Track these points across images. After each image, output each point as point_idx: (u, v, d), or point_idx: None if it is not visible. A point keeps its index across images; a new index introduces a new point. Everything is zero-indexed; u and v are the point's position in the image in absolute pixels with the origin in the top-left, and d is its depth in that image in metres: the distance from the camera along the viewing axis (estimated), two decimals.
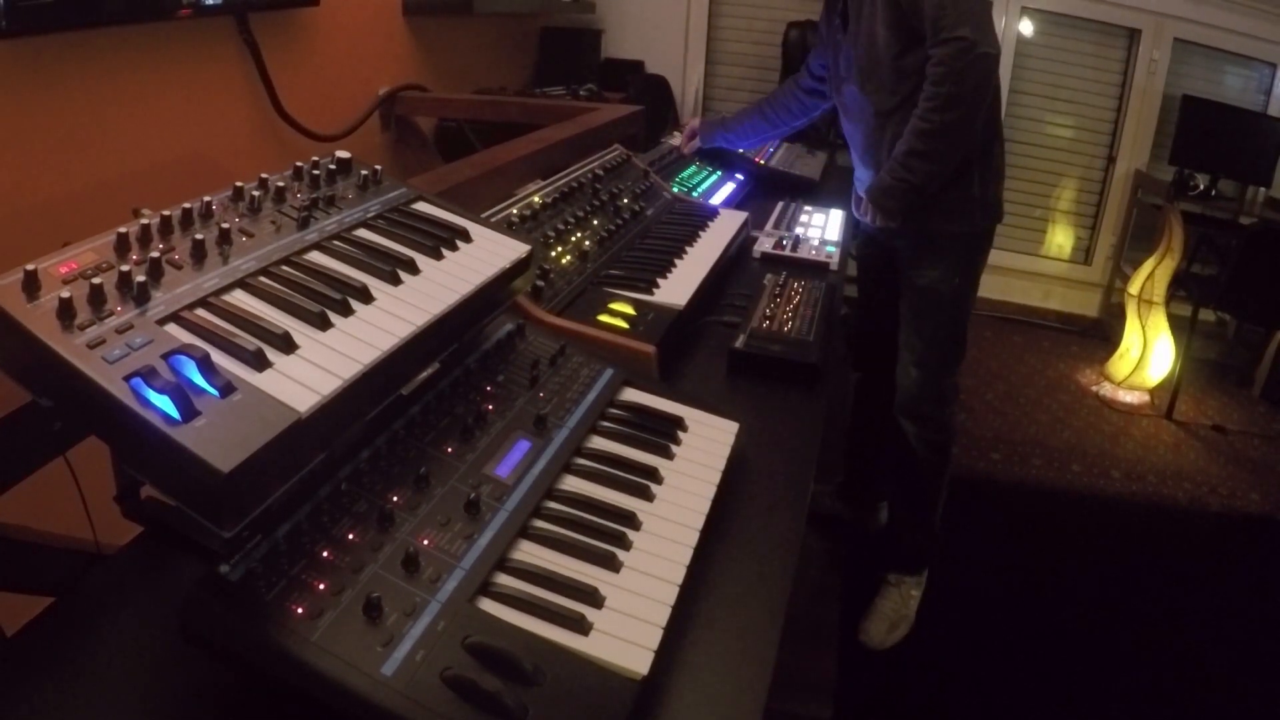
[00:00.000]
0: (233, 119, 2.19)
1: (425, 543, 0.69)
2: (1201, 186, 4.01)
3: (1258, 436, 3.49)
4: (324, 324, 0.73)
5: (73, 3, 1.61)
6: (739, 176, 2.42)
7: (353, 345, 0.72)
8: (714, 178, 2.33)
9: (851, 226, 2.11)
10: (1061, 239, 4.62)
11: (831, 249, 1.86)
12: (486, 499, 0.76)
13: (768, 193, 2.37)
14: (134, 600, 0.76)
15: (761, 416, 1.11)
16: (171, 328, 0.66)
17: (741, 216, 1.86)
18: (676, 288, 1.40)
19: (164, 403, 0.58)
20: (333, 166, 0.97)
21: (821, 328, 1.36)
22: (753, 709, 0.68)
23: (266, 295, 0.75)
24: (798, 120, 2.24)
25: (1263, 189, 4.16)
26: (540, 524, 0.77)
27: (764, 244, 1.85)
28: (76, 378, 0.59)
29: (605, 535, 0.77)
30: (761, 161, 2.53)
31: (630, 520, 0.80)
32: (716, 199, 2.17)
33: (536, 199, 1.50)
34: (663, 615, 0.71)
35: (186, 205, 0.79)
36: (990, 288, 4.46)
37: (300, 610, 0.60)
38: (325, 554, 0.65)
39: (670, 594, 0.73)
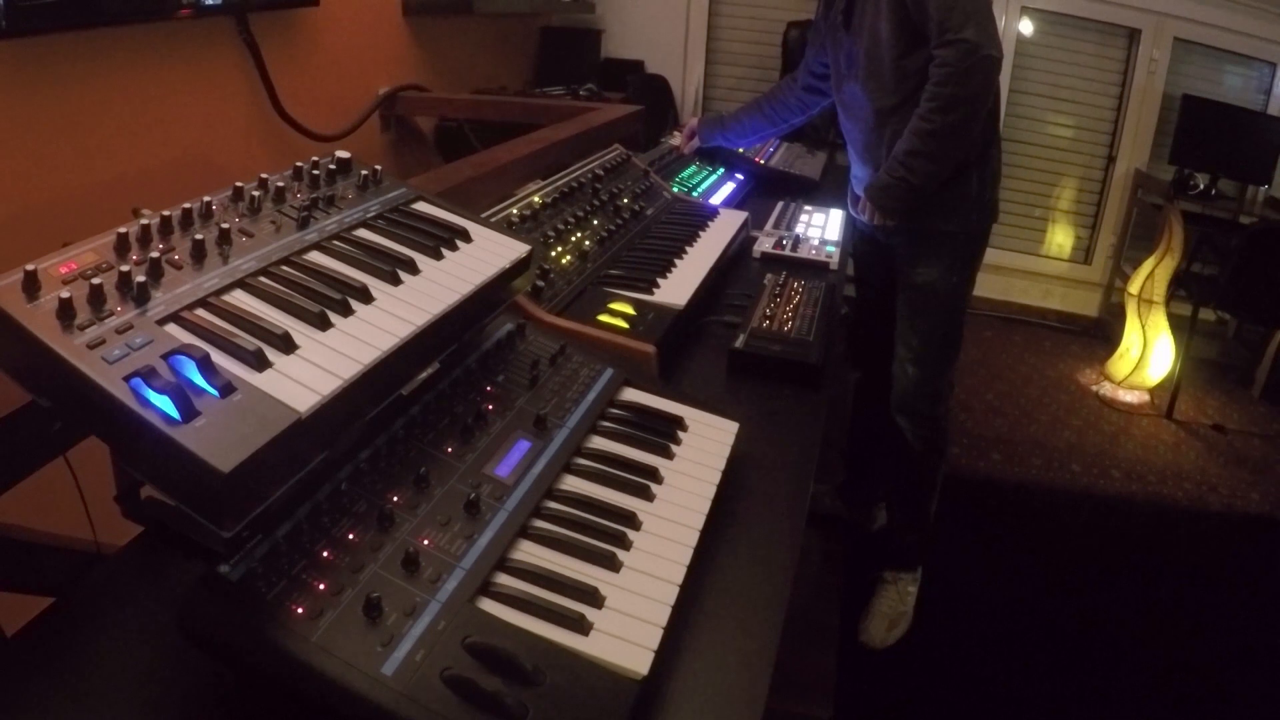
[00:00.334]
0: (233, 119, 2.19)
1: (425, 543, 0.69)
2: (1201, 186, 4.01)
3: (1258, 436, 3.49)
4: (324, 324, 0.73)
5: (73, 3, 1.61)
6: (739, 176, 2.43)
7: (353, 345, 0.72)
8: (714, 177, 2.34)
9: (848, 225, 2.12)
10: (1061, 238, 4.62)
11: (831, 249, 1.86)
12: (486, 499, 0.76)
13: (768, 192, 2.37)
14: (134, 600, 0.76)
15: (761, 416, 1.11)
16: (171, 328, 0.66)
17: (741, 216, 1.86)
18: (676, 288, 1.40)
19: (164, 403, 0.58)
20: (333, 166, 0.97)
21: (821, 327, 1.36)
22: (753, 709, 0.68)
23: (266, 295, 0.75)
24: (796, 118, 2.24)
25: (1263, 188, 4.16)
26: (540, 524, 0.77)
27: (764, 244, 1.85)
28: (76, 378, 0.59)
29: (605, 535, 0.77)
30: (761, 161, 2.54)
31: (630, 520, 0.80)
32: (716, 199, 2.17)
33: (536, 199, 1.50)
34: (663, 615, 0.71)
35: (186, 205, 0.79)
36: (990, 287, 4.47)
37: (300, 610, 0.60)
38: (325, 554, 0.65)
39: (670, 594, 0.73)
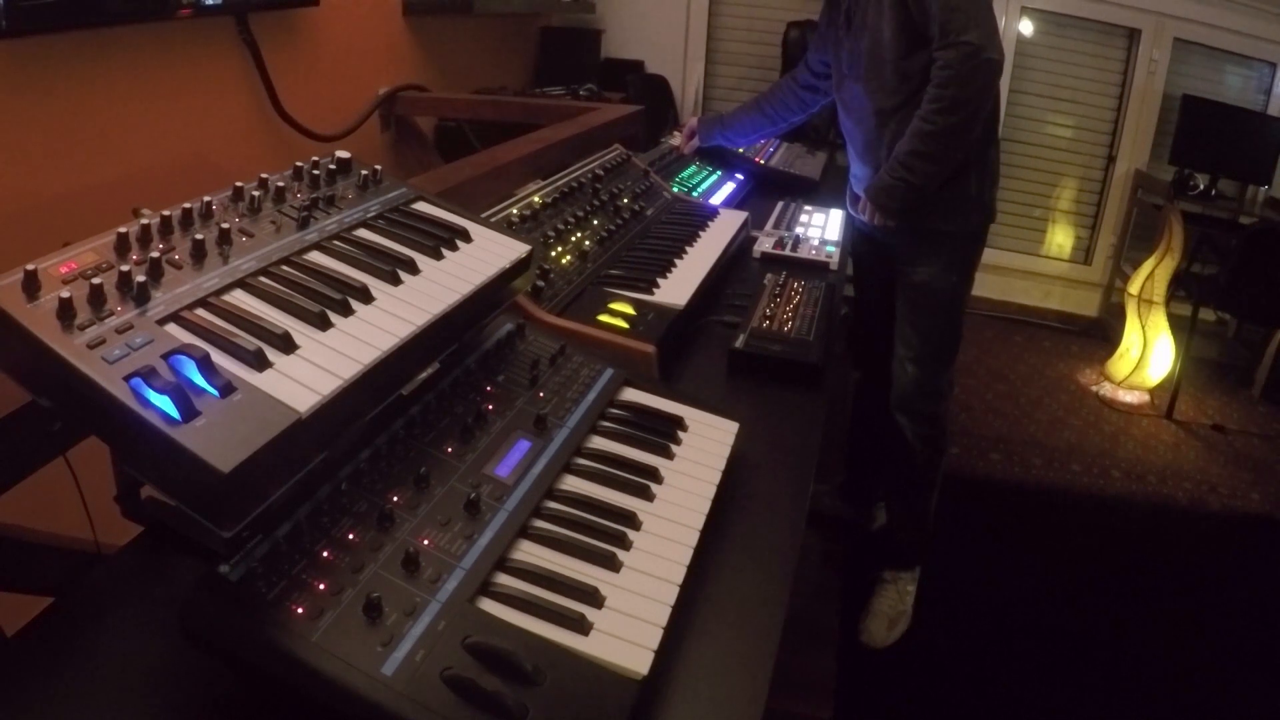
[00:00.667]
0: (233, 119, 2.19)
1: (425, 543, 0.69)
2: (1201, 186, 4.01)
3: (1258, 436, 3.49)
4: (324, 324, 0.73)
5: (73, 3, 1.61)
6: (739, 176, 2.42)
7: (353, 345, 0.72)
8: (714, 177, 2.33)
9: (848, 225, 2.12)
10: (1061, 239, 4.62)
11: (831, 249, 1.86)
12: (486, 499, 0.76)
13: (768, 192, 2.37)
14: (134, 600, 0.76)
15: (761, 416, 1.11)
16: (171, 328, 0.66)
17: (741, 216, 1.86)
18: (676, 287, 1.39)
19: (164, 403, 0.58)
20: (333, 166, 0.97)
21: (822, 327, 1.36)
22: (753, 709, 0.68)
23: (266, 295, 0.75)
24: (796, 116, 2.24)
25: (1263, 188, 4.16)
26: (540, 524, 0.77)
27: (764, 244, 1.85)
28: (76, 378, 0.59)
29: (605, 535, 0.77)
30: (761, 161, 2.53)
31: (630, 520, 0.80)
32: (716, 199, 2.17)
33: (536, 199, 1.50)
34: (663, 615, 0.71)
35: (186, 205, 0.79)
36: (990, 287, 4.47)
37: (300, 610, 0.60)
38: (325, 554, 0.65)
39: (670, 594, 0.73)
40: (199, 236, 0.75)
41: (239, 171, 0.89)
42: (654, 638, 0.68)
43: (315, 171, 0.95)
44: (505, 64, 3.70)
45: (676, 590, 0.74)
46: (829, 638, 2.12)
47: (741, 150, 2.46)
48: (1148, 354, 3.61)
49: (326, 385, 0.66)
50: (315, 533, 0.67)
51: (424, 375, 0.84)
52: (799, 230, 1.98)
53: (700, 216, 1.80)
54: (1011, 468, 3.10)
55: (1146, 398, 3.68)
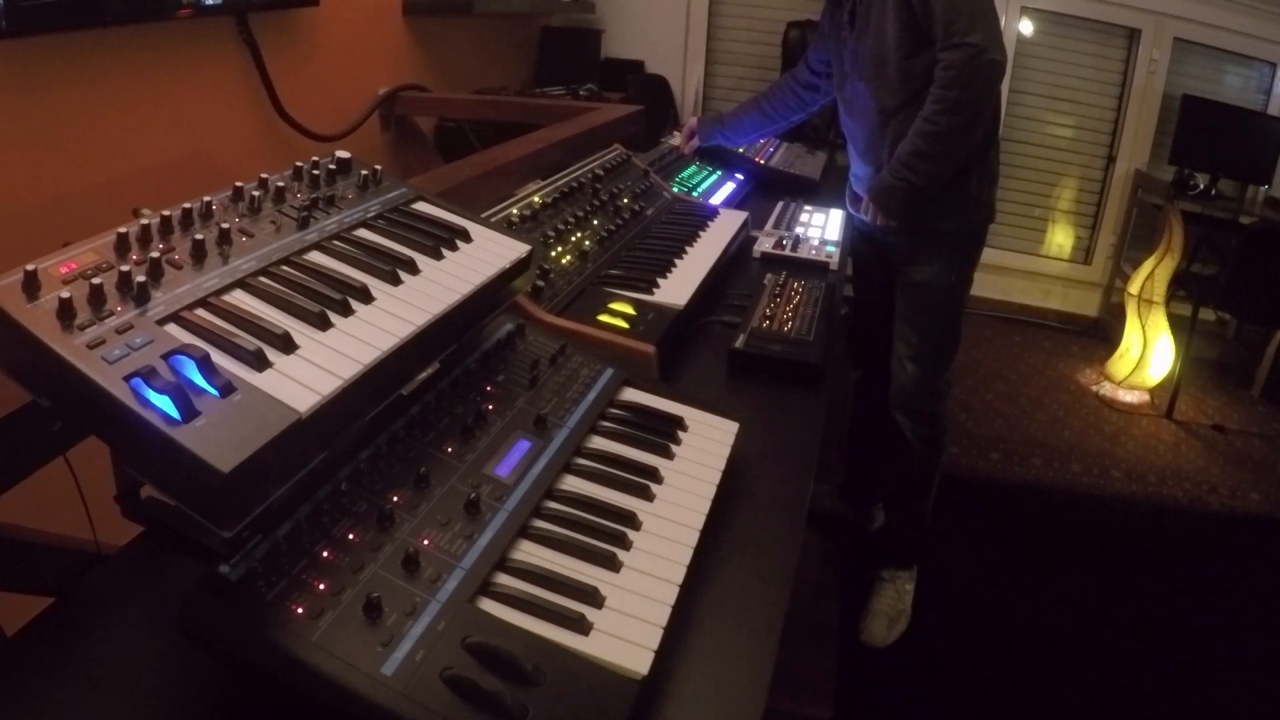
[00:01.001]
0: (233, 119, 2.19)
1: (425, 543, 0.69)
2: (1201, 186, 4.01)
3: (1258, 436, 3.49)
4: (324, 324, 0.73)
5: (73, 3, 1.61)
6: (739, 176, 2.42)
7: (353, 345, 0.72)
8: (714, 177, 2.33)
9: (847, 225, 2.12)
10: (1061, 238, 4.62)
11: (831, 249, 1.86)
12: (486, 499, 0.76)
13: (768, 192, 2.37)
14: (134, 600, 0.76)
15: (761, 416, 1.11)
16: (171, 328, 0.66)
17: (741, 216, 1.86)
18: (676, 288, 1.39)
19: (164, 403, 0.58)
20: (333, 166, 0.97)
21: (822, 327, 1.36)
22: (753, 709, 0.68)
23: (266, 295, 0.75)
24: (795, 115, 2.24)
25: (1263, 188, 4.16)
26: (540, 524, 0.77)
27: (764, 244, 1.85)
28: (76, 378, 0.59)
29: (605, 535, 0.77)
30: (761, 161, 2.53)
31: (630, 520, 0.80)
32: (716, 199, 2.17)
33: (536, 199, 1.50)
34: (663, 615, 0.71)
35: (186, 205, 0.79)
36: (990, 287, 4.47)
37: (300, 610, 0.60)
38: (325, 554, 0.65)
39: (670, 594, 0.73)
40: (199, 236, 0.75)
41: (239, 171, 0.89)
42: (654, 638, 0.68)
43: (315, 171, 0.95)
44: (505, 64, 3.70)
45: (676, 590, 0.74)
46: (829, 638, 2.12)
47: (741, 150, 2.46)
48: (1148, 354, 3.61)
49: (326, 385, 0.66)
50: (315, 533, 0.67)
51: (424, 375, 0.84)
52: (799, 230, 1.98)
53: (700, 216, 1.80)
54: (1011, 468, 3.10)
55: (1146, 398, 3.68)
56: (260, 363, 0.66)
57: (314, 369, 0.68)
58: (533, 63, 3.94)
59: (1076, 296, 4.60)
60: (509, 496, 0.77)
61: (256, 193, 0.86)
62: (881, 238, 1.98)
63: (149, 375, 0.59)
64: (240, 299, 0.74)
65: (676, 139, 2.43)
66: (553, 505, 0.80)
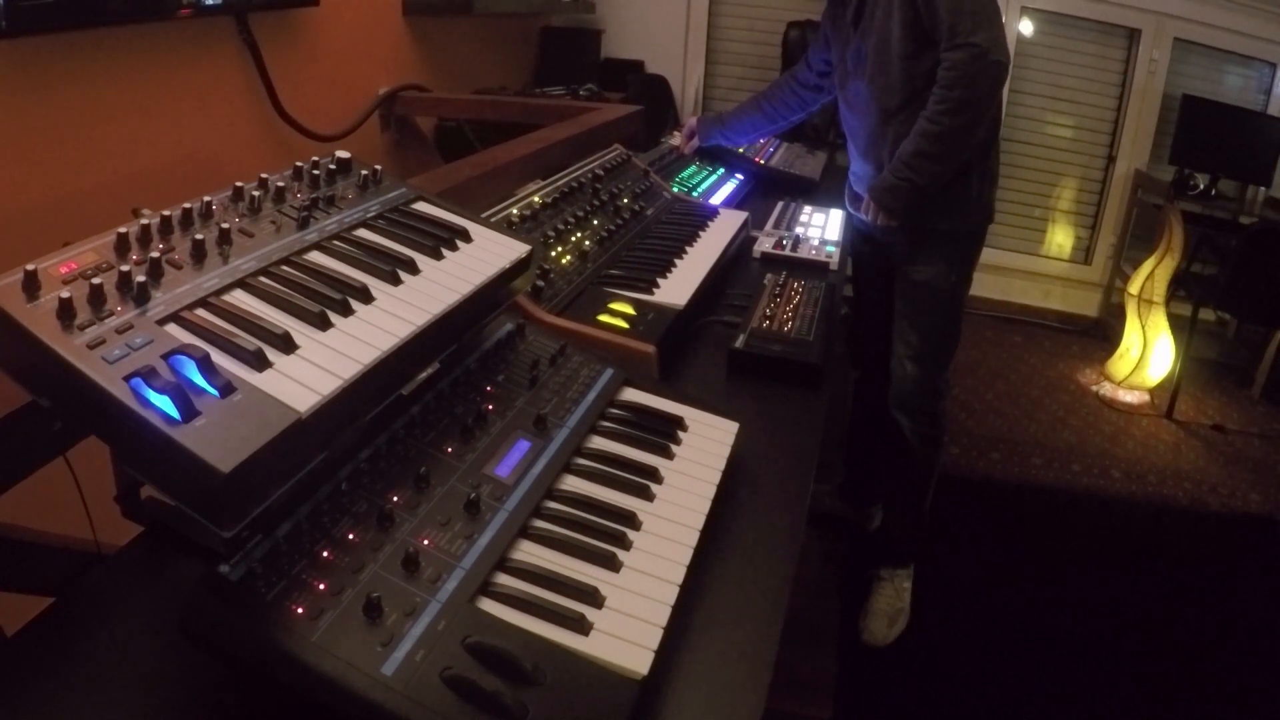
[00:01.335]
0: (233, 119, 2.19)
1: (425, 543, 0.69)
2: (1201, 186, 4.01)
3: (1258, 436, 3.49)
4: (324, 324, 0.73)
5: (73, 3, 1.61)
6: (739, 176, 2.42)
7: (353, 345, 0.72)
8: (714, 177, 2.33)
9: (847, 224, 2.12)
10: (1061, 239, 4.62)
11: (831, 249, 1.86)
12: (486, 499, 0.76)
13: (768, 192, 2.37)
14: (134, 600, 0.76)
15: (761, 416, 1.11)
16: (171, 328, 0.66)
17: (741, 216, 1.86)
18: (676, 287, 1.39)
19: (164, 403, 0.58)
20: (333, 166, 0.97)
21: (822, 327, 1.36)
22: (753, 709, 0.68)
23: (266, 295, 0.75)
24: (795, 115, 2.24)
25: (1263, 189, 4.16)
26: (540, 524, 0.77)
27: (764, 244, 1.85)
28: (76, 378, 0.59)
29: (605, 535, 0.77)
30: (761, 161, 2.53)
31: (630, 520, 0.80)
32: (716, 199, 2.17)
33: (536, 199, 1.50)
34: (663, 615, 0.71)
35: (186, 205, 0.79)
36: (990, 287, 4.47)
37: (300, 610, 0.60)
38: (325, 554, 0.65)
39: (670, 594, 0.73)
40: (199, 236, 0.75)
41: (239, 171, 0.89)
42: (654, 638, 0.68)
43: (315, 171, 0.95)
44: (505, 64, 3.70)
45: (676, 590, 0.74)
46: (829, 638, 2.12)
47: (741, 150, 2.46)
48: (1148, 354, 3.61)
49: (326, 385, 0.66)
50: (315, 533, 0.67)
51: (424, 375, 0.84)
52: (799, 230, 1.98)
53: (700, 216, 1.80)
54: (1011, 468, 3.10)
55: (1146, 398, 3.68)
56: (260, 363, 0.66)
57: (314, 369, 0.68)
58: (533, 63, 3.94)
59: (1076, 296, 4.60)
60: (509, 496, 0.77)
61: (256, 193, 0.86)
62: (881, 237, 1.98)
63: (149, 375, 0.59)
64: (240, 299, 0.74)
65: (676, 139, 2.43)
66: (553, 505, 0.80)
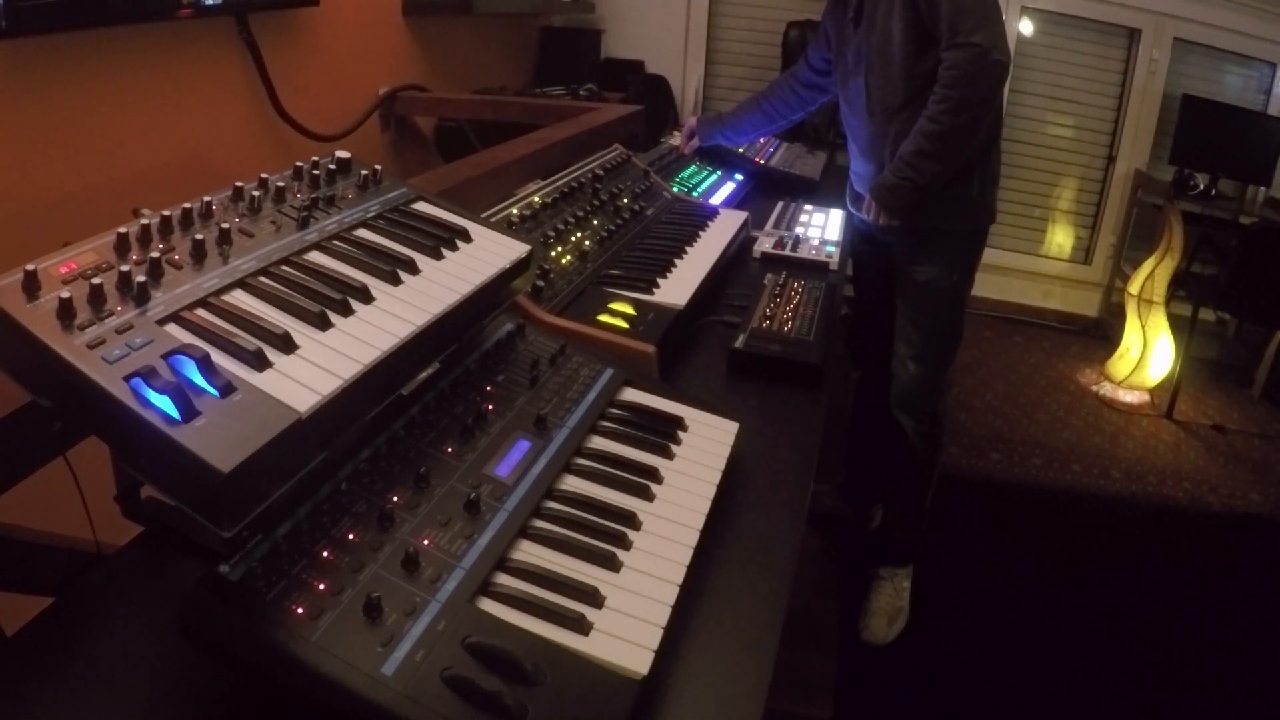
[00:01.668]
0: (233, 119, 2.19)
1: (425, 543, 0.69)
2: (1201, 186, 4.01)
3: (1258, 436, 3.49)
4: (324, 324, 0.73)
5: (73, 3, 1.61)
6: (739, 176, 2.42)
7: (353, 345, 0.72)
8: (714, 177, 2.33)
9: (848, 224, 2.12)
10: (1061, 238, 4.62)
11: (831, 249, 1.86)
12: (486, 499, 0.76)
13: (768, 192, 2.37)
14: (134, 600, 0.76)
15: (761, 416, 1.11)
16: (171, 328, 0.66)
17: (741, 216, 1.86)
18: (676, 287, 1.39)
19: (164, 403, 0.58)
20: (333, 166, 0.97)
21: (822, 327, 1.36)
22: (753, 709, 0.68)
23: (266, 295, 0.75)
24: (795, 114, 2.24)
25: (1263, 189, 4.16)
26: (540, 524, 0.77)
27: (764, 244, 1.85)
28: (76, 378, 0.59)
29: (605, 535, 0.77)
30: (761, 161, 2.54)
31: (630, 520, 0.80)
32: (716, 199, 2.17)
33: (536, 199, 1.50)
34: (663, 615, 0.71)
35: (186, 205, 0.79)
36: (990, 287, 4.47)
37: (300, 610, 0.60)
38: (325, 554, 0.65)
39: (670, 594, 0.73)
40: (199, 236, 0.75)
41: (239, 171, 0.89)
42: (654, 638, 0.68)
43: (315, 171, 0.95)
44: (505, 64, 3.70)
45: (676, 590, 0.74)
46: (829, 637, 2.12)
47: (741, 150, 2.46)
48: (1148, 354, 3.61)
49: (326, 385, 0.66)
50: (315, 533, 0.67)
51: (424, 375, 0.84)
52: (799, 230, 1.98)
53: (700, 216, 1.80)
54: (1011, 468, 3.10)
55: (1146, 398, 3.68)
56: (260, 363, 0.66)
57: (314, 369, 0.68)
58: (533, 63, 3.94)
59: (1076, 296, 4.60)
60: (509, 496, 0.77)
61: (256, 193, 0.86)
62: (882, 237, 1.98)
63: (149, 375, 0.59)
64: (240, 299, 0.74)
65: (676, 139, 2.43)
66: (553, 505, 0.80)
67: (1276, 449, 3.40)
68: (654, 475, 0.88)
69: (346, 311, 0.76)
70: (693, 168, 2.33)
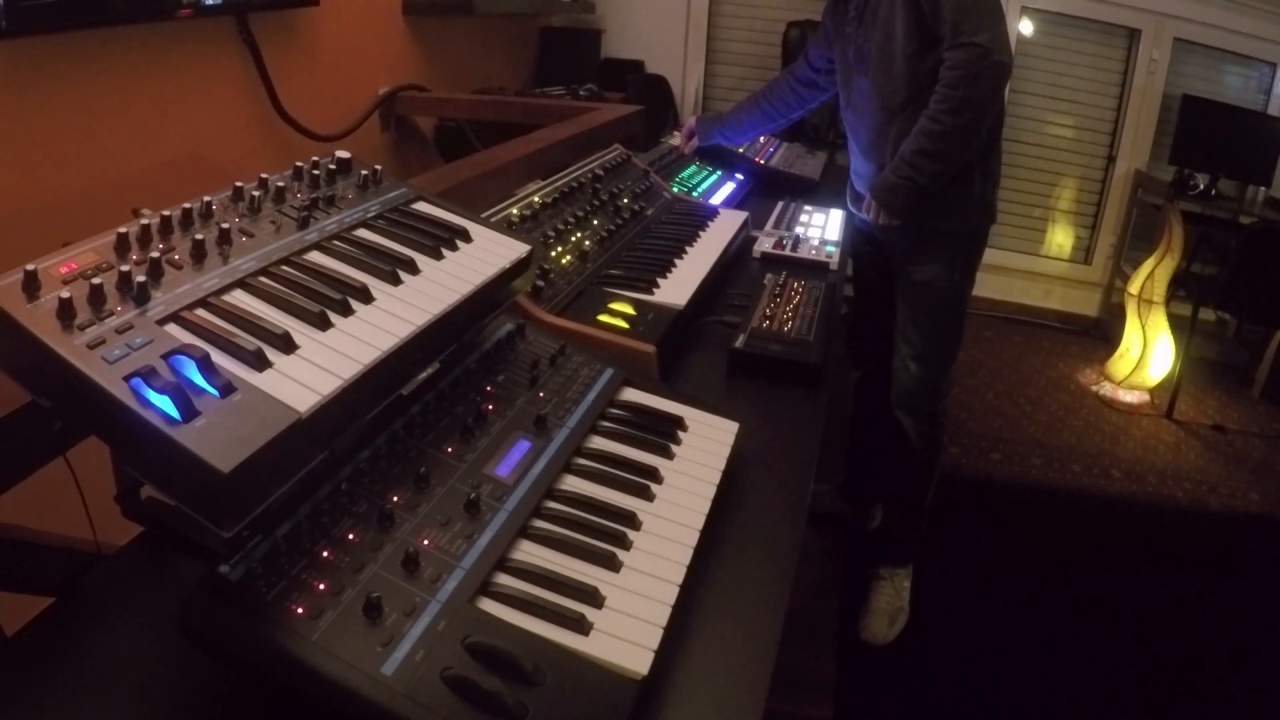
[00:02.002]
0: (233, 119, 2.19)
1: (425, 543, 0.69)
2: (1201, 186, 4.01)
3: (1258, 436, 3.49)
4: (324, 324, 0.73)
5: (73, 3, 1.61)
6: (739, 176, 2.42)
7: (353, 345, 0.72)
8: (714, 177, 2.33)
9: (848, 224, 2.12)
10: (1061, 238, 4.62)
11: (831, 249, 1.86)
12: (486, 499, 0.76)
13: (768, 192, 2.37)
14: (134, 600, 0.76)
15: (761, 416, 1.11)
16: (171, 328, 0.66)
17: (741, 216, 1.86)
18: (676, 287, 1.39)
19: (164, 403, 0.58)
20: (333, 166, 0.97)
21: (822, 327, 1.36)
22: (753, 709, 0.68)
23: (266, 295, 0.75)
24: (795, 112, 2.24)
25: (1263, 189, 4.16)
26: (540, 524, 0.77)
27: (764, 244, 1.85)
28: (76, 378, 0.59)
29: (605, 535, 0.77)
30: (761, 161, 2.53)
31: (630, 520, 0.80)
32: (716, 199, 2.17)
33: (536, 199, 1.50)
34: (663, 615, 0.71)
35: (186, 205, 0.79)
36: (990, 287, 4.47)
37: (300, 610, 0.60)
38: (325, 554, 0.65)
39: (670, 594, 0.73)
40: (199, 236, 0.75)
41: (239, 171, 0.89)
42: (654, 638, 0.68)
43: (315, 171, 0.95)
44: (505, 64, 3.70)
45: (676, 590, 0.74)
46: (829, 637, 2.12)
47: (741, 150, 2.46)
48: (1148, 354, 3.61)
49: (326, 385, 0.66)
50: (315, 533, 0.67)
51: (424, 375, 0.84)
52: (799, 230, 1.98)
53: (700, 216, 1.80)
54: (1011, 468, 3.10)
55: (1146, 398, 3.68)
56: (260, 363, 0.66)
57: (314, 369, 0.68)
58: (533, 63, 3.94)
59: (1076, 296, 4.60)
60: (509, 496, 0.77)
61: (256, 193, 0.86)
62: (882, 237, 1.98)
63: (149, 375, 0.59)
64: (240, 299, 0.74)
65: (676, 139, 2.43)
66: (553, 505, 0.80)
67: (1276, 449, 3.40)
68: (654, 475, 0.88)
69: (346, 311, 0.76)
70: (693, 168, 2.33)
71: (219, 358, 0.64)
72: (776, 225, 2.02)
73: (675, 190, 2.01)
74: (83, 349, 0.61)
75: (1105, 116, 4.36)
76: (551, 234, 1.42)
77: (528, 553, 0.74)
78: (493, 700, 0.58)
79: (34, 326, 0.61)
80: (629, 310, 1.26)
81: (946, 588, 2.40)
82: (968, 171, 1.83)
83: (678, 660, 0.72)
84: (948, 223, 1.88)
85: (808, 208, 2.18)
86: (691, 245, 1.61)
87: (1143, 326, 3.63)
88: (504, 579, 0.70)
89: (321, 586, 0.62)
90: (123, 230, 0.72)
